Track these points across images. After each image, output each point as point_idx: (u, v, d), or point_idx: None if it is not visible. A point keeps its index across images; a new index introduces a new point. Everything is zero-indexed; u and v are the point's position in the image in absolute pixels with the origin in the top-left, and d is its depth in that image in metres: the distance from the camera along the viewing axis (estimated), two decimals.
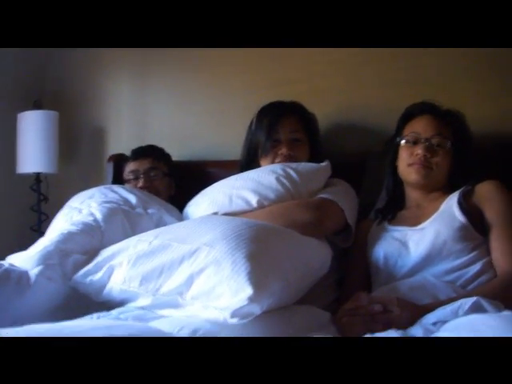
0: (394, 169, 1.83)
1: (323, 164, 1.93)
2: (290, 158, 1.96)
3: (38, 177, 2.75)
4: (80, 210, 1.89)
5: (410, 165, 1.74)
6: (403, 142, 1.78)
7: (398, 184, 1.85)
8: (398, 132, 1.83)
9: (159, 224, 1.86)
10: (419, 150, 1.72)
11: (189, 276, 1.31)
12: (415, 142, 1.75)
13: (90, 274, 1.51)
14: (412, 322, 1.31)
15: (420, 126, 1.76)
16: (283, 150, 1.97)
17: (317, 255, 1.53)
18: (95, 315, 1.35)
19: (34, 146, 2.69)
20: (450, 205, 1.67)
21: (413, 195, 1.80)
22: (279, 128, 1.99)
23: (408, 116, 1.83)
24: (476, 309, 1.27)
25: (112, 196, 1.98)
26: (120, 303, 1.48)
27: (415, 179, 1.73)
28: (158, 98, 2.72)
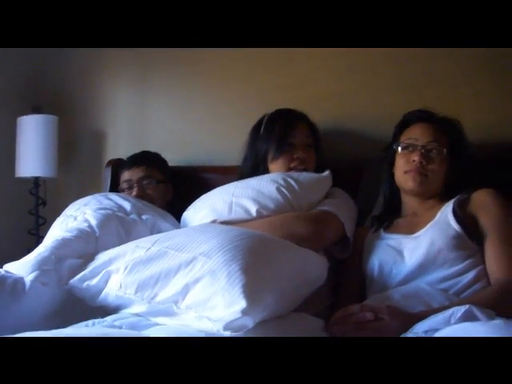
0: (391, 176, 1.84)
1: (324, 174, 1.93)
2: (303, 163, 1.97)
3: (36, 181, 2.76)
4: (75, 218, 1.90)
5: (406, 172, 1.75)
6: (400, 148, 1.79)
7: (394, 191, 1.86)
8: (395, 139, 1.84)
9: (153, 230, 1.88)
10: (415, 157, 1.72)
11: (184, 285, 1.31)
12: (411, 149, 1.75)
13: (87, 279, 1.52)
14: (403, 329, 1.32)
15: (416, 133, 1.77)
16: (299, 154, 1.97)
17: (313, 267, 1.53)
18: (90, 322, 1.36)
19: (33, 150, 2.70)
20: (446, 213, 1.67)
21: (409, 203, 1.81)
22: (295, 132, 2.00)
23: (404, 123, 1.84)
24: (468, 317, 1.26)
25: (107, 203, 2.00)
26: (115, 309, 1.48)
27: (411, 186, 1.74)
28: (158, 103, 2.73)
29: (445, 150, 1.74)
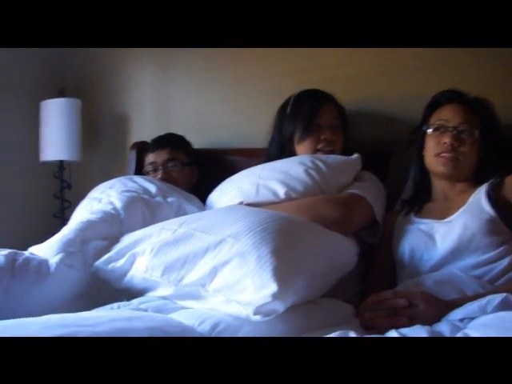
0: (421, 159, 1.79)
1: (353, 157, 1.89)
2: (330, 144, 1.93)
3: (61, 164, 2.75)
4: (100, 200, 1.89)
5: (436, 155, 1.70)
6: (430, 130, 1.74)
7: (424, 174, 1.81)
8: (425, 120, 1.80)
9: (179, 212, 1.86)
10: (446, 139, 1.68)
11: (212, 268, 1.28)
12: (442, 131, 1.71)
13: (112, 261, 1.50)
14: (438, 317, 1.28)
15: (447, 114, 1.72)
16: (327, 135, 1.93)
17: (343, 252, 1.50)
18: (115, 305, 1.34)
19: (57, 134, 2.69)
20: (479, 197, 1.63)
21: (439, 186, 1.77)
22: (322, 113, 1.96)
23: (435, 104, 1.79)
24: (505, 306, 1.23)
25: (131, 185, 1.98)
26: (141, 291, 1.46)
27: (442, 170, 1.70)
28: (181, 85, 2.70)
29: (477, 131, 1.68)
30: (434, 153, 1.71)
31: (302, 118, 1.96)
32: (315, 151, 1.94)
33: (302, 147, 1.96)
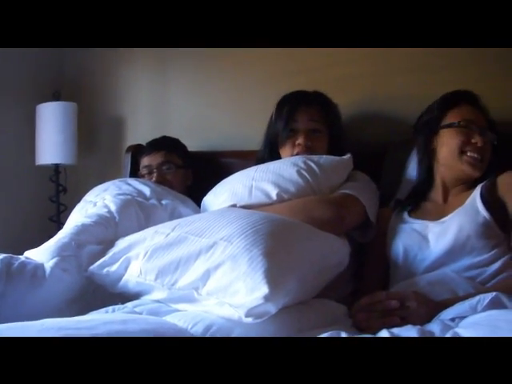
0: (429, 154, 1.76)
1: (345, 157, 1.89)
2: (307, 149, 1.92)
3: (56, 168, 2.76)
4: (94, 203, 1.91)
5: (463, 152, 1.67)
6: (455, 125, 1.69)
7: (430, 172, 1.78)
8: (439, 117, 1.74)
9: (173, 215, 1.87)
10: (477, 140, 1.65)
11: (205, 271, 1.29)
12: (469, 129, 1.67)
13: (107, 266, 1.51)
14: (429, 317, 1.29)
15: (471, 115, 1.69)
16: (300, 140, 1.93)
17: (335, 252, 1.50)
18: (110, 308, 1.35)
19: (52, 137, 2.70)
20: (474, 199, 1.62)
21: (442, 184, 1.74)
22: (298, 117, 1.95)
23: (451, 102, 1.75)
24: (495, 304, 1.24)
25: (126, 188, 2.00)
26: (135, 295, 1.47)
27: (468, 171, 1.67)
28: (177, 88, 2.71)
29: (494, 136, 1.69)
30: (461, 149, 1.67)
31: (281, 123, 1.96)
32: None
33: (283, 152, 1.98)
